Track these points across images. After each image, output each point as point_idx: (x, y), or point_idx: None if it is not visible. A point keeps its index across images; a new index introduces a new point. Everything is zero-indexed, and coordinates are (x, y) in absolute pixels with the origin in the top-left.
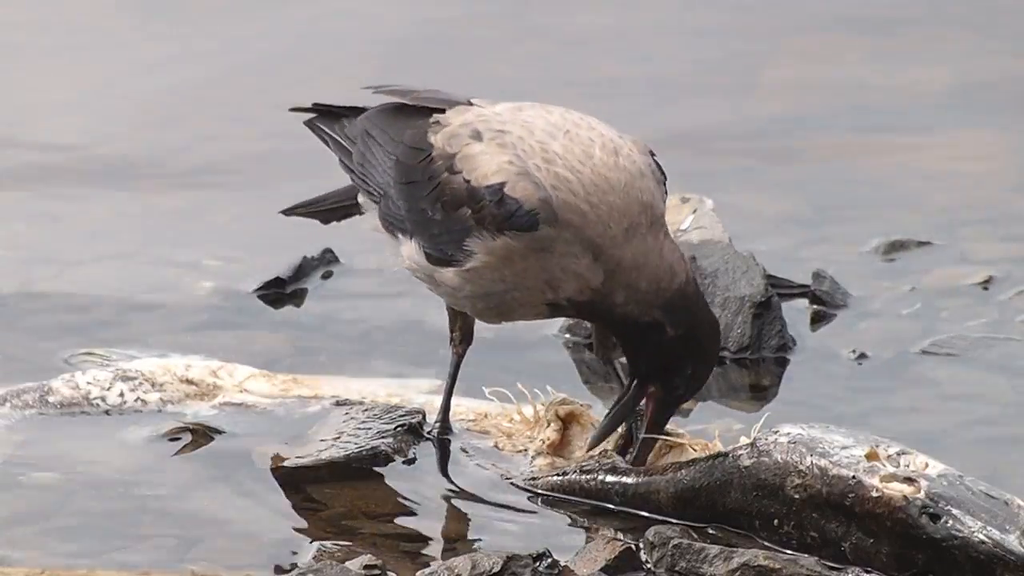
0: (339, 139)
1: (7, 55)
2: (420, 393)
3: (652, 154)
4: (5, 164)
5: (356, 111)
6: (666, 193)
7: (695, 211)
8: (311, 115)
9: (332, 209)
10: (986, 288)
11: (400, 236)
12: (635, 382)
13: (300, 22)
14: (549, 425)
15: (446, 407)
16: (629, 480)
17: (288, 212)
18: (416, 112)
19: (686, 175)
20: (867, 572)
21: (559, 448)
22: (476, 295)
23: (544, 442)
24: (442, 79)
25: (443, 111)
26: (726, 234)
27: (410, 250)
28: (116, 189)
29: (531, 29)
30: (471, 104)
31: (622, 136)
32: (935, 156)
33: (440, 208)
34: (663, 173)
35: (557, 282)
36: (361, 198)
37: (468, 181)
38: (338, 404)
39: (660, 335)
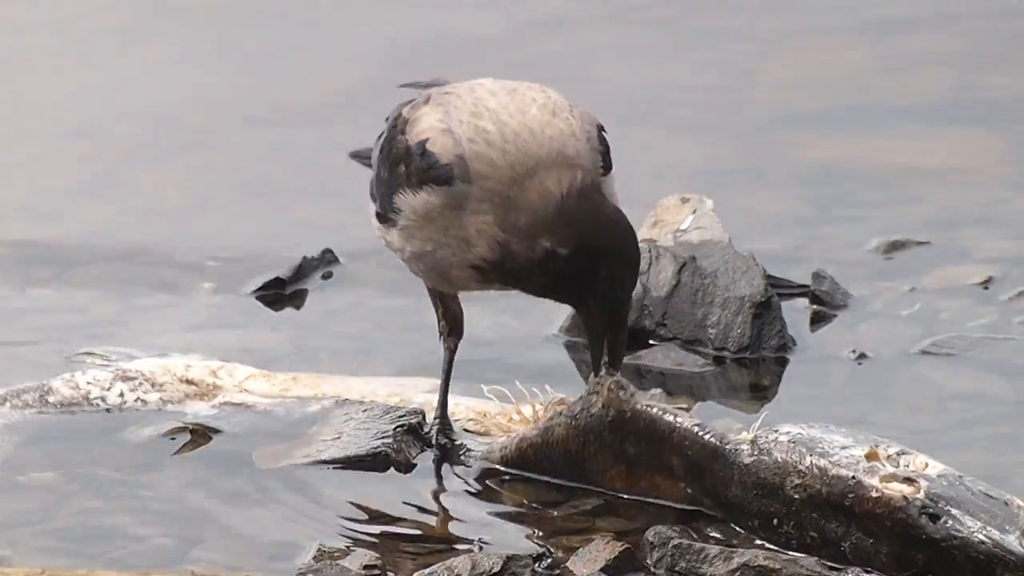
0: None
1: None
2: (420, 393)
3: (601, 128)
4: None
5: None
6: (605, 165)
7: (695, 211)
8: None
9: None
10: (986, 288)
11: (375, 210)
12: (583, 312)
13: (299, 22)
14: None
15: (443, 405)
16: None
17: (354, 156)
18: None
19: (686, 175)
20: (867, 572)
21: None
22: (415, 256)
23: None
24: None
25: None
26: (726, 234)
27: (372, 215)
28: (116, 188)
29: (532, 28)
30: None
31: (575, 107)
32: (935, 156)
33: (387, 168)
34: (605, 145)
35: (472, 240)
36: None
37: (407, 140)
38: (338, 404)
39: (555, 261)
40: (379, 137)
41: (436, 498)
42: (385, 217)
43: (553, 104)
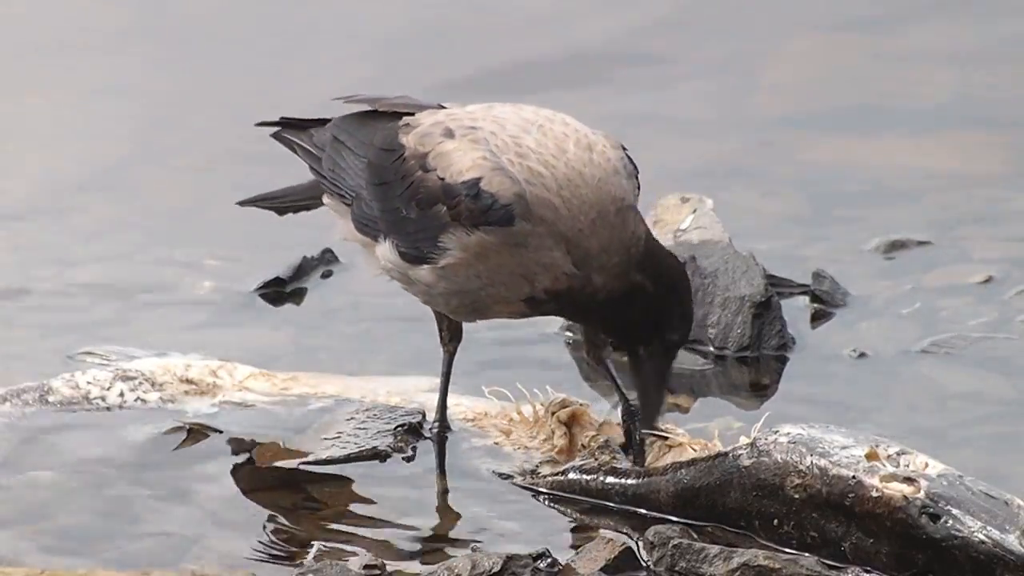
0: (308, 147)
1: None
2: (420, 392)
3: (624, 148)
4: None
5: (322, 122)
6: (638, 187)
7: (695, 211)
8: (277, 127)
9: (290, 206)
10: (986, 287)
11: (374, 237)
12: (641, 352)
13: (298, 23)
14: (554, 433)
15: (443, 406)
16: (629, 480)
17: (244, 203)
18: (385, 117)
19: (686, 175)
20: (867, 572)
21: (568, 453)
22: (450, 292)
23: (553, 448)
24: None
25: (412, 115)
26: (726, 234)
27: (384, 250)
28: (116, 189)
29: (531, 27)
30: (442, 107)
31: (595, 132)
32: (935, 156)
33: (414, 206)
34: (635, 166)
35: (533, 275)
36: (329, 200)
37: (443, 179)
38: (338, 403)
39: (644, 295)
40: (328, 163)
41: (436, 498)
42: (416, 257)
43: (584, 139)
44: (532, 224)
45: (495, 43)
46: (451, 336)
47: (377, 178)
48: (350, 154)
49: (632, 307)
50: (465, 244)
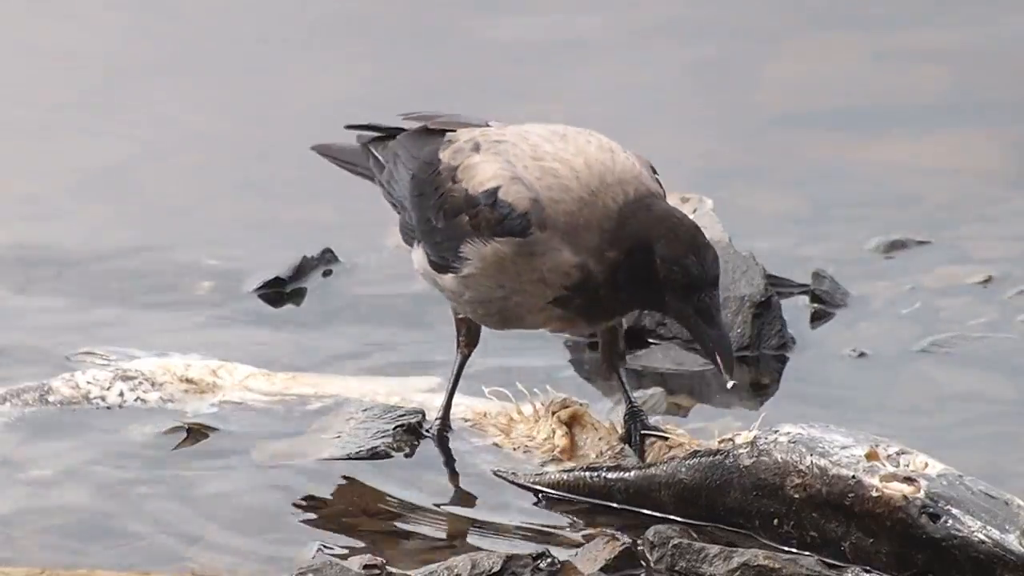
0: (379, 157)
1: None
2: (419, 392)
3: (653, 169)
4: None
5: (398, 130)
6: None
7: (695, 211)
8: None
9: (357, 173)
10: (986, 287)
11: (412, 244)
12: (691, 319)
13: (300, 22)
14: (555, 433)
15: (448, 405)
16: (630, 476)
17: (319, 150)
18: (437, 134)
19: (686, 175)
20: (867, 571)
21: (569, 453)
22: (476, 301)
23: (554, 449)
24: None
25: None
26: (726, 234)
27: (419, 257)
28: (116, 188)
29: (532, 28)
30: (487, 125)
31: (625, 150)
32: (935, 155)
33: (442, 216)
34: (662, 188)
35: (546, 278)
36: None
37: (467, 190)
38: (338, 403)
39: (619, 267)
40: (387, 175)
41: (435, 497)
42: (442, 265)
43: (608, 145)
44: (546, 231)
45: (494, 44)
46: (468, 340)
47: (417, 190)
48: (402, 167)
49: (625, 285)
50: (483, 254)
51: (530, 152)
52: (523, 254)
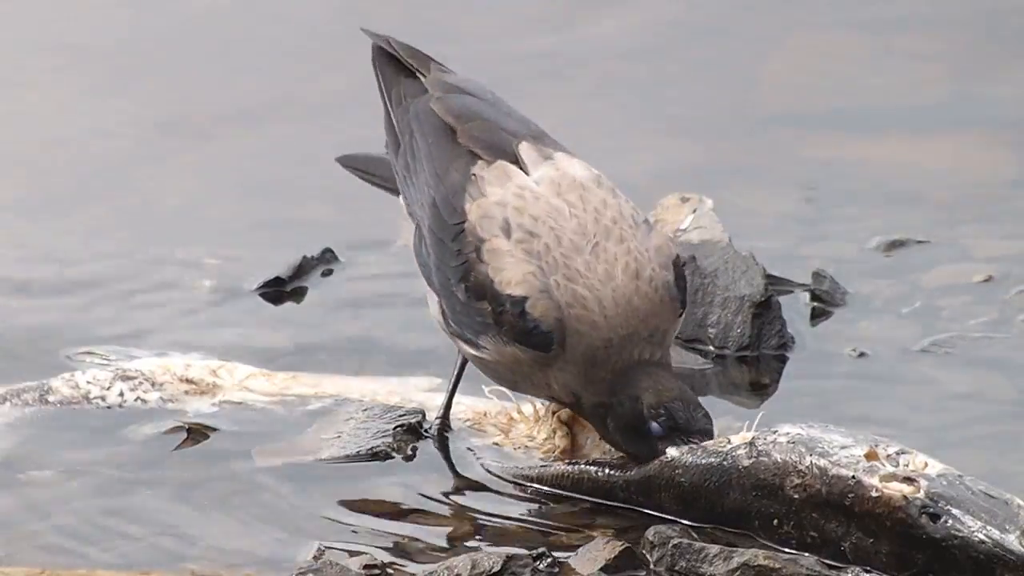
0: (393, 117)
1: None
2: (420, 392)
3: (676, 263)
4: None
5: (420, 74)
6: (682, 310)
7: (695, 211)
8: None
9: (381, 186)
10: (986, 287)
11: (427, 280)
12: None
13: (301, 22)
14: (556, 433)
15: (448, 405)
16: (632, 473)
17: (343, 161)
18: (462, 148)
19: (686, 175)
20: (867, 572)
21: (569, 453)
22: (485, 368)
23: (555, 449)
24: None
25: (487, 159)
26: (726, 234)
27: (435, 306)
28: (116, 188)
29: (535, 25)
30: (515, 155)
31: (647, 245)
32: (935, 155)
33: (464, 290)
34: (683, 282)
35: (552, 388)
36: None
37: (493, 281)
38: (338, 403)
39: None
40: (403, 160)
41: (436, 497)
42: (459, 335)
43: (634, 264)
44: (565, 353)
45: (495, 38)
46: None
47: (438, 229)
48: (423, 173)
49: (602, 424)
50: (501, 351)
51: (563, 264)
52: (539, 363)
